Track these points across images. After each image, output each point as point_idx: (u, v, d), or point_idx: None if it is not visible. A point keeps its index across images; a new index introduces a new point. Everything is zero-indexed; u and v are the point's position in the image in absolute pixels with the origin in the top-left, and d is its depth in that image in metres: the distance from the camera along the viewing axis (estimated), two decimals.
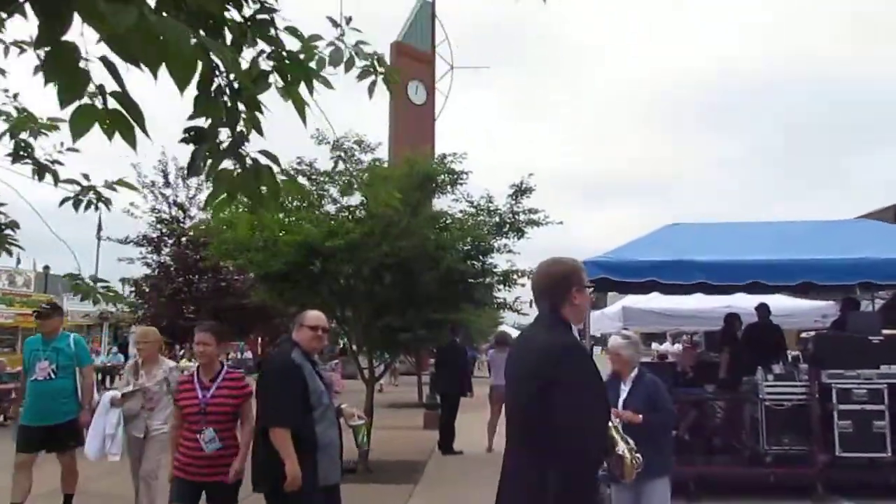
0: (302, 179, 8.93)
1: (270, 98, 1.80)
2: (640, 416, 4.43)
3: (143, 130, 1.45)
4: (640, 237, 9.13)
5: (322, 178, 8.88)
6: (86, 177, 2.65)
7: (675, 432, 6.86)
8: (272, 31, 1.84)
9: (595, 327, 14.32)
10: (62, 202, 2.64)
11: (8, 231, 3.21)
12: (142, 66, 1.28)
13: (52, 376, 6.14)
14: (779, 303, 11.14)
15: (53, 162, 2.76)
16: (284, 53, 1.85)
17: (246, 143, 1.72)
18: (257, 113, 1.69)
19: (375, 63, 2.36)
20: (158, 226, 12.93)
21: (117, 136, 1.44)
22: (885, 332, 8.19)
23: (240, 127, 1.67)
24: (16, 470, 6.12)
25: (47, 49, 1.32)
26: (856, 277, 7.75)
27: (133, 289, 13.44)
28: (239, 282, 12.37)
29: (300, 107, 1.75)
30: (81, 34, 1.33)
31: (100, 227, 29.84)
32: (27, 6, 1.36)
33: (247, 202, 1.89)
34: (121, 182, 2.63)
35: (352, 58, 2.28)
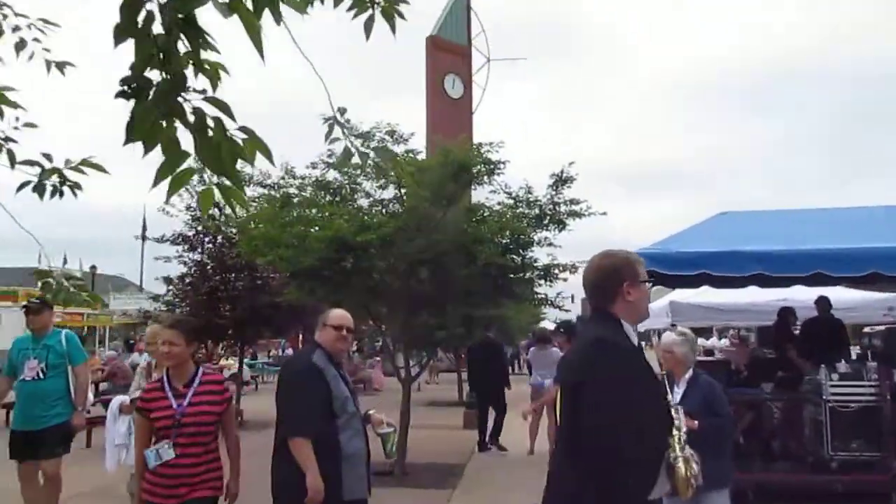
0: (332, 173, 8.65)
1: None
2: (696, 421, 3.99)
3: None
4: (688, 227, 8.66)
5: (354, 172, 8.58)
6: (47, 157, 2.31)
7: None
8: None
9: (640, 324, 13.76)
10: (20, 187, 2.28)
11: None
12: None
13: (41, 376, 5.65)
14: (838, 295, 10.48)
15: (6, 139, 2.41)
16: None
17: (188, 91, 1.38)
18: (209, 55, 1.36)
19: None
20: (194, 223, 12.79)
21: None
22: None
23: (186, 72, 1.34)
24: (20, 483, 5.72)
25: None
26: None
27: (170, 287, 13.34)
28: (274, 279, 12.13)
29: (253, 31, 1.39)
30: None
31: (144, 228, 30.34)
32: None
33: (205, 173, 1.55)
34: (87, 163, 2.29)
35: None
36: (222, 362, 23.35)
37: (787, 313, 9.50)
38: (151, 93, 1.35)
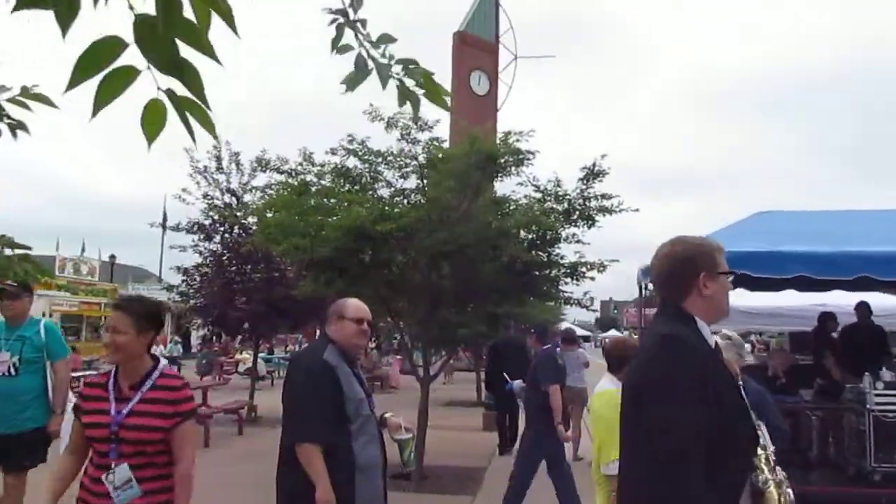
0: (353, 160, 8.31)
1: None
2: None
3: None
4: (725, 226, 8.25)
5: (375, 159, 8.24)
6: None
7: None
8: None
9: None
10: None
11: None
12: None
13: (13, 372, 4.84)
14: (879, 301, 9.99)
15: None
16: None
17: None
18: None
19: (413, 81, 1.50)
20: (210, 213, 12.49)
21: None
22: None
23: None
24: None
25: None
26: None
27: (184, 278, 13.06)
28: (291, 272, 11.82)
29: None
30: None
31: (165, 218, 30.24)
32: None
33: None
34: (29, 94, 1.86)
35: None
36: (237, 356, 23.25)
37: (827, 319, 9.03)
38: None
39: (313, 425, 3.17)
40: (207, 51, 1.12)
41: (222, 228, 12.67)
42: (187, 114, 1.20)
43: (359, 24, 1.39)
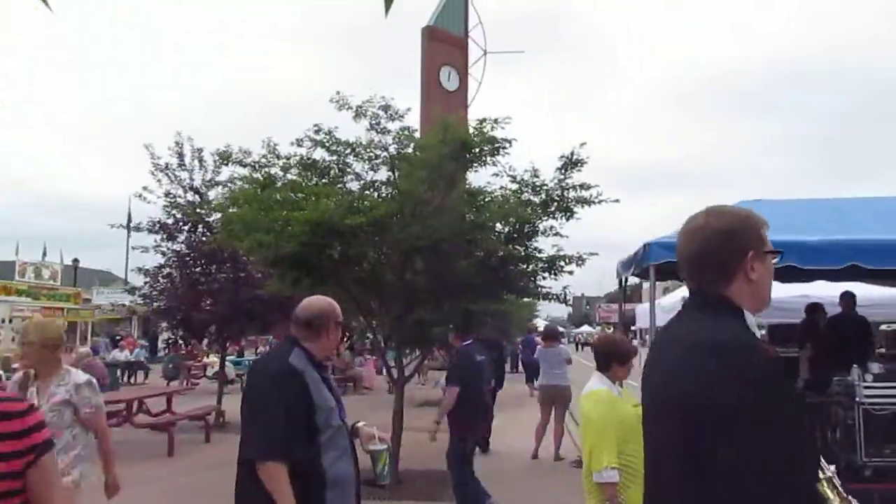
0: (320, 151, 7.88)
1: None
2: None
3: None
4: None
5: (344, 150, 7.82)
6: None
7: None
8: None
9: (643, 322, 13.17)
10: None
11: None
12: None
13: None
14: (862, 292, 9.82)
15: None
16: None
17: None
18: None
19: None
20: (173, 211, 11.95)
21: None
22: None
23: None
24: None
25: None
26: None
27: (146, 280, 12.49)
28: (258, 271, 11.37)
29: None
30: None
31: (129, 219, 29.45)
32: None
33: None
34: None
35: None
36: (205, 360, 22.62)
37: (816, 310, 8.84)
38: None
39: (277, 440, 2.76)
40: None
41: (186, 227, 12.14)
42: None
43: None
